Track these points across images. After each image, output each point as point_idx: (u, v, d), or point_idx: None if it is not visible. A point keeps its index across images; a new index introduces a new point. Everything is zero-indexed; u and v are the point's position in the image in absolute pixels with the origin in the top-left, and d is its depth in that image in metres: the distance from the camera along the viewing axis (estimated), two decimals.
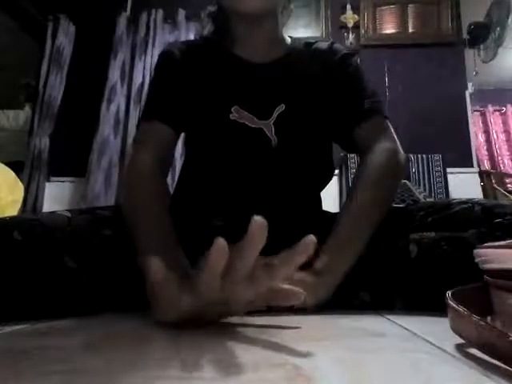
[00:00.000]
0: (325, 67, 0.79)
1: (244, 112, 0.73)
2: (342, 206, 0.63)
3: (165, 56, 0.81)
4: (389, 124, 0.75)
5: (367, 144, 0.72)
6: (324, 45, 0.83)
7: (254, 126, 0.73)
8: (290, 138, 0.74)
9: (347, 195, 0.65)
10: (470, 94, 2.86)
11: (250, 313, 0.48)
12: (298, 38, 0.85)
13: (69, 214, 0.61)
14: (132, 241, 0.57)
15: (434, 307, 0.50)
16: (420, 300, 0.58)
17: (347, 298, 0.60)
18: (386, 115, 0.77)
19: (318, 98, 0.77)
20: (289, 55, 0.80)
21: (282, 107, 0.74)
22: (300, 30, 2.93)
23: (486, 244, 0.41)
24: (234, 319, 0.50)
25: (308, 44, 0.83)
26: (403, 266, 0.59)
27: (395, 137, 0.73)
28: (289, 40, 0.84)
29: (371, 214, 0.62)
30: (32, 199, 2.57)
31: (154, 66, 0.88)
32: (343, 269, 0.57)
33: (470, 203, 0.62)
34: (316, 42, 0.84)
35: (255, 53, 0.78)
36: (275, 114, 0.74)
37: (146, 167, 0.68)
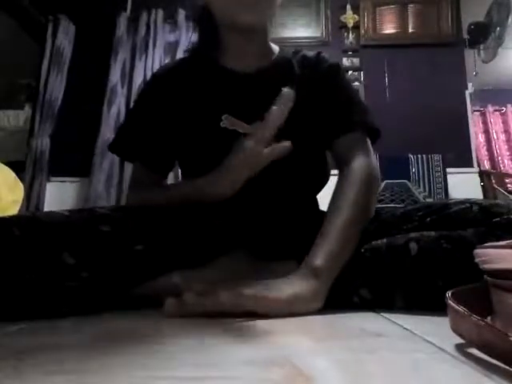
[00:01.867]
0: (312, 74, 0.81)
1: (234, 119, 0.75)
2: (325, 219, 0.64)
3: (149, 83, 0.87)
4: (367, 139, 0.75)
5: (343, 159, 0.73)
6: (311, 53, 0.85)
7: (244, 131, 0.74)
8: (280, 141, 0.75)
9: (328, 209, 0.67)
10: (470, 94, 2.86)
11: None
12: (286, 48, 0.88)
13: (67, 213, 0.61)
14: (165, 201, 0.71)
15: (433, 306, 0.50)
16: (420, 298, 0.58)
17: (347, 295, 0.60)
18: (375, 127, 0.77)
19: (306, 104, 0.79)
20: (276, 64, 0.82)
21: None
22: (300, 29, 2.93)
23: (485, 244, 0.41)
24: (235, 319, 0.50)
25: (295, 52, 0.86)
26: (403, 263, 0.59)
27: (371, 152, 0.74)
28: (277, 49, 0.86)
29: (350, 234, 0.62)
30: (34, 200, 2.56)
31: (153, 67, 0.91)
32: (331, 280, 0.58)
33: (467, 203, 0.62)
34: (302, 50, 0.86)
35: (244, 63, 0.80)
36: None
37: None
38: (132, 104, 0.91)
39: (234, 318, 0.50)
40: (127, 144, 0.83)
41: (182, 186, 0.83)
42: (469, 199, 0.63)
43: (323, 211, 0.80)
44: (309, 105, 0.79)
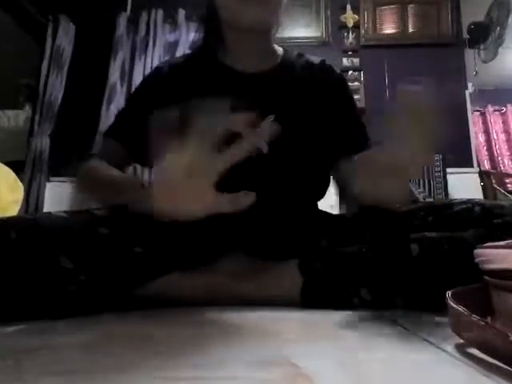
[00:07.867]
0: (318, 81, 0.81)
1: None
2: None
3: (151, 74, 0.85)
4: None
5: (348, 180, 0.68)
6: (316, 59, 0.85)
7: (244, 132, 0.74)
8: (279, 146, 0.75)
9: None
10: (470, 94, 2.86)
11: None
12: (291, 50, 0.87)
13: (65, 215, 0.61)
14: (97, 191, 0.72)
15: (434, 306, 0.50)
16: (420, 299, 0.58)
17: (347, 295, 0.60)
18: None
19: (309, 109, 0.79)
20: (280, 66, 0.82)
21: (271, 117, 0.75)
22: (300, 29, 2.92)
23: (485, 244, 0.41)
24: (235, 317, 0.50)
25: (299, 55, 0.85)
26: (404, 264, 0.59)
27: None
28: (281, 51, 0.85)
29: None
30: (33, 200, 2.56)
31: (153, 67, 0.90)
32: None
33: (470, 203, 0.62)
34: (305, 54, 0.86)
35: (247, 63, 0.79)
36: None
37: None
38: (132, 92, 0.90)
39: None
40: (124, 131, 0.81)
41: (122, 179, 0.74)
42: (471, 199, 0.63)
43: (322, 211, 0.80)
44: (314, 109, 0.78)
